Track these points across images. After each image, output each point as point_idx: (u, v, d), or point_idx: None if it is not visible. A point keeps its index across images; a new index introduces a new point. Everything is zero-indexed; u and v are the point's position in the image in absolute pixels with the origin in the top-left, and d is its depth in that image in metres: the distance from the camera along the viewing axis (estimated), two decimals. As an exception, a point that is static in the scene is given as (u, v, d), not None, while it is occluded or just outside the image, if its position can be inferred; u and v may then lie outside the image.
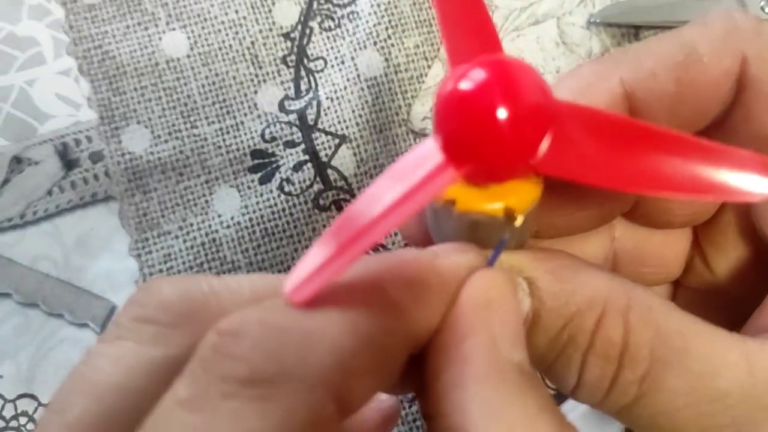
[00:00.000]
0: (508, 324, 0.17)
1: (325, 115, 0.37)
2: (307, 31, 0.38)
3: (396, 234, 0.36)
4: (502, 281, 0.17)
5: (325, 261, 0.15)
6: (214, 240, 0.35)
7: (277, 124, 0.36)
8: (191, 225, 0.35)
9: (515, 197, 0.17)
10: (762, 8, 0.39)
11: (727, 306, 0.24)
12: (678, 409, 0.18)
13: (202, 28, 0.37)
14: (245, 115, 0.37)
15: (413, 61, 0.38)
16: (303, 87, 0.37)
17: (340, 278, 0.16)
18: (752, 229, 0.23)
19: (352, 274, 0.17)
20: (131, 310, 0.17)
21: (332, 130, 0.36)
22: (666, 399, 0.17)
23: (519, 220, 0.17)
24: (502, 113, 0.15)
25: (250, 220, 0.35)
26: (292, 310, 0.15)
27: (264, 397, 0.14)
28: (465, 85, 0.15)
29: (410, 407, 0.33)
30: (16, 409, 0.32)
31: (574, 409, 0.33)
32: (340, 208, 0.36)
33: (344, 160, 0.36)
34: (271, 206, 0.35)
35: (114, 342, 0.16)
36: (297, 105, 0.37)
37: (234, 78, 0.37)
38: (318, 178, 0.36)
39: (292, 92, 0.37)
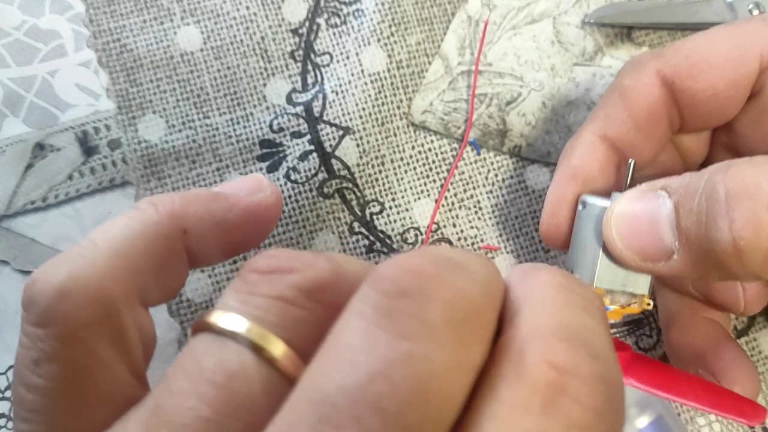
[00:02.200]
0: None
1: (330, 107, 0.39)
2: (315, 27, 0.40)
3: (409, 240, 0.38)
4: None
5: None
6: (224, 224, 0.37)
7: (285, 115, 0.39)
8: (203, 210, 0.37)
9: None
10: (750, 11, 0.40)
11: None
12: None
13: (215, 23, 0.39)
14: (254, 106, 0.39)
15: (414, 57, 0.40)
16: (310, 81, 0.39)
17: None
18: None
19: None
20: None
21: (337, 122, 0.38)
22: None
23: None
24: None
25: (258, 206, 0.37)
26: None
27: None
28: None
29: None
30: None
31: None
32: (342, 197, 0.38)
33: (347, 151, 0.38)
34: (278, 193, 0.37)
35: None
36: (304, 98, 0.39)
37: (244, 71, 0.39)
38: (322, 168, 0.38)
39: (299, 85, 0.39)
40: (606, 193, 0.30)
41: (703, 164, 0.34)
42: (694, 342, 0.33)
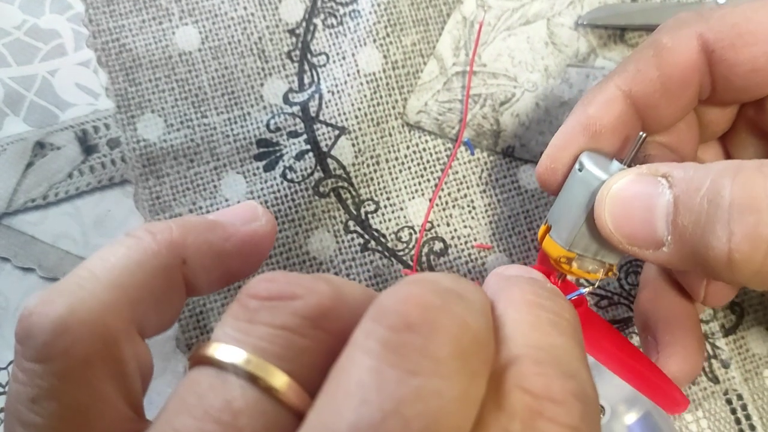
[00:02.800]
0: None
1: (326, 107, 0.39)
2: (311, 27, 0.41)
3: (407, 242, 0.38)
4: None
5: None
6: (221, 222, 0.37)
7: (282, 115, 0.39)
8: (200, 208, 0.38)
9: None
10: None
11: None
12: None
13: (213, 23, 0.40)
14: (252, 106, 0.39)
15: (410, 58, 0.40)
16: (306, 81, 0.40)
17: None
18: None
19: None
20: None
21: (332, 121, 0.39)
22: None
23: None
24: None
25: (255, 204, 0.38)
26: None
27: None
28: None
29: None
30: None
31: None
32: (338, 196, 0.38)
33: (343, 150, 0.39)
34: (274, 192, 0.38)
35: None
36: (300, 98, 0.40)
37: (242, 71, 0.40)
38: (318, 167, 0.38)
39: (296, 85, 0.40)
40: (609, 155, 0.29)
41: (723, 138, 0.33)
42: (657, 310, 0.33)
